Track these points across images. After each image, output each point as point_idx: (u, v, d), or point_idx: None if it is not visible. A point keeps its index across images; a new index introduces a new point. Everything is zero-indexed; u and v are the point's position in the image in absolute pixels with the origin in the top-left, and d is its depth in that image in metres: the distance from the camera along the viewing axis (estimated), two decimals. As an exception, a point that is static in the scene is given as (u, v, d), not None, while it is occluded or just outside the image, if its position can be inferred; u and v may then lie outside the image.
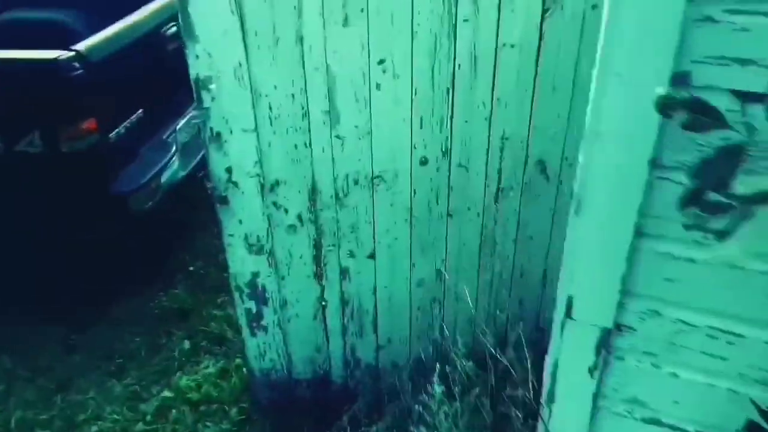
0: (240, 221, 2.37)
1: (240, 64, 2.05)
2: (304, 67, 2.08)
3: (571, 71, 2.12)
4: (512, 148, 2.28)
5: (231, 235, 2.41)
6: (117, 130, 3.18)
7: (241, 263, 2.47)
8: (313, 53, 2.05)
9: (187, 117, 3.76)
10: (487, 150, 2.28)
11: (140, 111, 3.39)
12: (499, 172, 2.33)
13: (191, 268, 3.90)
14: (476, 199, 2.39)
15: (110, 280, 3.58)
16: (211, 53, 2.02)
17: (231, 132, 2.17)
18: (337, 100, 2.14)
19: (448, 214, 2.42)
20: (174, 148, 3.62)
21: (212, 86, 2.07)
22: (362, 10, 1.99)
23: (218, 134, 2.17)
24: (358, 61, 2.08)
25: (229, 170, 2.25)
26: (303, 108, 2.15)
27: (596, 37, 2.09)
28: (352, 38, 2.03)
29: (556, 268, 2.56)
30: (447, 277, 2.55)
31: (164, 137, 3.64)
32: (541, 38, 2.05)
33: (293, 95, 2.13)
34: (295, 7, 1.97)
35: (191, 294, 3.67)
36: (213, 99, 2.10)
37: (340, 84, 2.11)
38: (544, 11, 2.00)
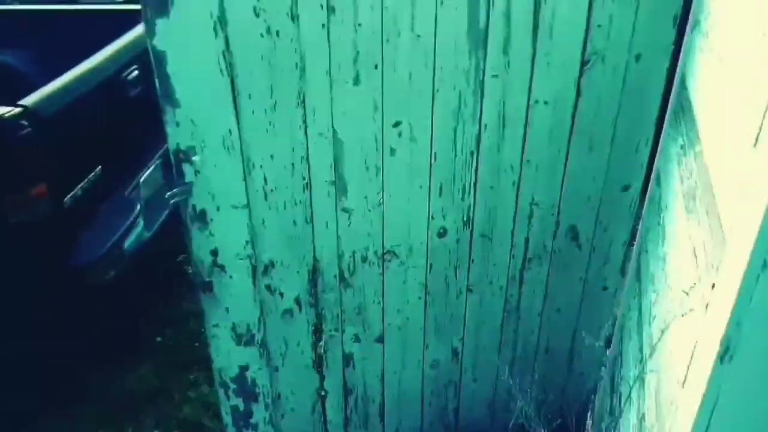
0: (227, 309, 2.00)
1: (230, 132, 1.71)
2: (306, 133, 1.75)
3: (610, 129, 1.87)
4: (542, 214, 2.00)
5: (216, 326, 2.03)
6: (72, 193, 2.76)
7: (227, 356, 2.09)
8: (318, 117, 1.73)
9: (151, 167, 3.36)
10: (514, 217, 2.00)
11: (98, 168, 2.98)
12: (527, 241, 2.05)
13: (159, 339, 3.46)
14: (500, 271, 2.10)
15: (70, 362, 3.11)
16: (195, 120, 1.67)
17: (218, 209, 1.82)
18: (344, 168, 1.82)
19: (468, 289, 2.12)
20: (137, 206, 3.21)
21: (196, 158, 1.72)
22: (376, 67, 1.68)
23: (202, 213, 1.81)
24: (369, 124, 1.77)
25: (214, 253, 1.89)
26: (304, 179, 1.82)
27: (639, 90, 1.88)
28: (363, 98, 1.73)
29: (584, 343, 2.31)
30: (464, 357, 2.24)
31: (126, 194, 3.22)
32: (578, 94, 1.80)
33: (293, 165, 1.80)
34: (297, 64, 1.65)
35: (160, 371, 3.23)
36: (197, 173, 1.74)
37: (348, 150, 1.80)
38: (584, 64, 1.75)
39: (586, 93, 1.80)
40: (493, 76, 1.74)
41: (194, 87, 1.62)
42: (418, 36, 1.66)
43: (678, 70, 1.72)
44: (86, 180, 2.87)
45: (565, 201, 1.99)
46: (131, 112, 3.14)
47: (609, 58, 1.75)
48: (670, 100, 1.77)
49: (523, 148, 1.87)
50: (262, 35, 1.60)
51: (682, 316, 1.14)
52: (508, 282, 2.12)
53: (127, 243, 3.04)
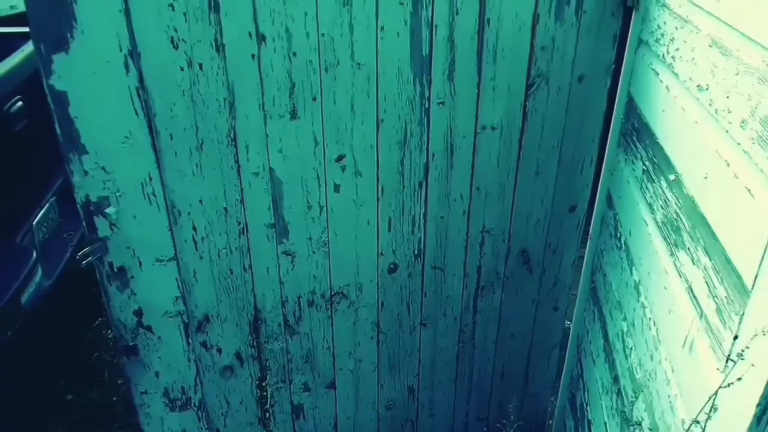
0: (156, 374, 1.77)
1: (150, 178, 1.49)
2: (239, 174, 1.57)
3: (556, 151, 1.83)
4: (493, 241, 1.93)
5: (144, 393, 1.80)
6: (-50, 247, 2.38)
7: (159, 425, 1.86)
8: (252, 155, 1.56)
9: (45, 207, 2.99)
10: (466, 246, 1.91)
11: (-19, 215, 2.60)
12: (479, 269, 1.97)
13: (69, 397, 3.09)
14: (454, 302, 2.01)
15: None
16: (108, 167, 1.45)
17: (140, 265, 1.59)
18: (284, 209, 1.65)
19: (422, 324, 2.01)
20: (34, 253, 2.84)
21: (110, 210, 1.49)
22: (315, 99, 1.53)
23: (122, 270, 1.58)
24: (310, 160, 1.61)
25: (138, 313, 1.66)
26: (240, 223, 1.64)
27: (582, 111, 1.85)
28: (302, 133, 1.57)
29: (539, 363, 2.27)
30: (420, 393, 2.13)
31: (18, 241, 2.84)
32: (524, 118, 1.74)
33: (226, 209, 1.61)
34: (225, 99, 1.47)
35: (75, 437, 2.87)
36: (113, 226, 1.51)
37: (288, 190, 1.63)
38: (529, 87, 1.69)
39: (531, 116, 1.74)
40: (439, 103, 1.64)
41: (104, 130, 1.40)
42: (359, 64, 1.52)
43: (620, 89, 1.70)
44: (-31, 230, 2.50)
45: (515, 226, 1.92)
46: (17, 148, 2.77)
47: (553, 80, 1.70)
48: (614, 120, 1.75)
49: (472, 175, 1.79)
50: (182, 68, 1.41)
51: (686, 361, 1.08)
52: (462, 312, 2.04)
53: (25, 297, 2.67)
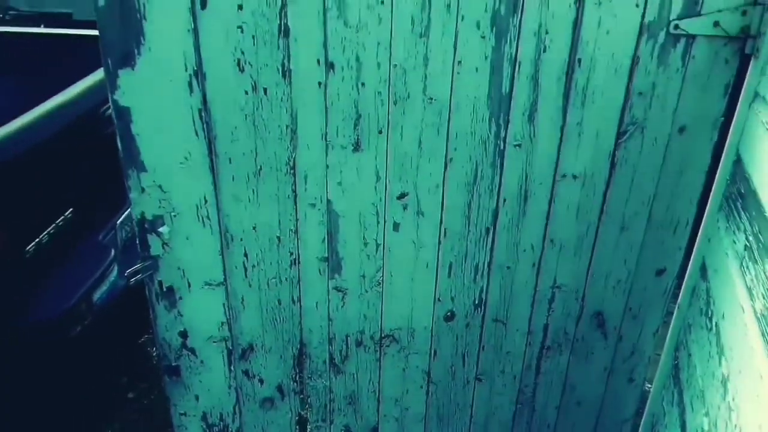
0: (196, 397, 1.73)
1: (205, 200, 1.45)
2: (296, 204, 1.50)
3: (646, 208, 1.63)
4: (564, 298, 1.74)
5: (183, 414, 1.76)
6: (38, 240, 2.49)
7: (196, 448, 1.81)
8: (310, 185, 1.48)
9: (130, 207, 3.09)
10: (533, 302, 1.74)
11: (69, 211, 2.71)
12: (546, 327, 1.79)
13: (131, 395, 3.16)
14: (514, 359, 1.83)
15: (29, 425, 2.80)
16: (165, 186, 1.42)
17: (189, 287, 1.55)
18: (339, 243, 1.57)
19: (477, 378, 1.85)
20: (112, 252, 2.93)
21: (163, 229, 1.46)
22: (380, 132, 1.44)
23: (170, 290, 1.55)
24: (370, 195, 1.52)
25: (183, 335, 1.62)
26: (292, 254, 1.57)
27: (681, 166, 1.65)
28: (364, 166, 1.48)
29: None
30: (470, 452, 1.96)
31: (100, 238, 2.95)
32: (612, 168, 1.55)
33: (279, 238, 1.54)
34: (287, 126, 1.41)
35: (130, 434, 2.92)
36: (165, 245, 1.48)
37: (344, 224, 1.54)
38: (620, 135, 1.51)
39: (620, 167, 1.56)
40: (515, 145, 1.50)
41: (164, 149, 1.37)
42: (431, 99, 1.42)
43: (728, 146, 1.49)
44: (54, 225, 2.60)
45: (591, 285, 1.73)
46: (108, 150, 2.89)
47: (649, 129, 1.51)
48: (717, 180, 1.53)
49: (546, 226, 1.62)
50: (246, 92, 1.36)
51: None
52: (523, 371, 1.86)
53: (98, 294, 2.76)
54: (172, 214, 1.46)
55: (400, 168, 1.50)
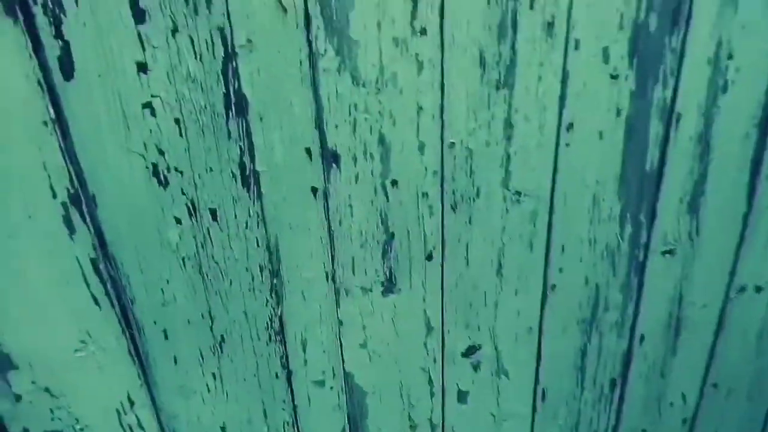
0: None
1: (130, 402, 0.85)
2: (290, 384, 0.90)
3: None
4: (728, 459, 1.10)
5: None
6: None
7: None
8: (312, 354, 0.87)
9: None
10: (679, 469, 1.10)
11: None
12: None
13: None
14: None
15: None
16: (54, 389, 0.81)
17: None
18: (369, 433, 0.94)
19: None
20: None
21: (65, 454, 0.83)
22: (430, 257, 0.83)
23: None
24: (417, 355, 0.91)
25: None
26: (292, 457, 0.94)
27: None
28: (404, 314, 0.87)
29: None
30: None
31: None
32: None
33: (268, 438, 0.91)
34: (263, 267, 0.79)
35: None
36: (72, 477, 0.86)
37: (376, 403, 0.93)
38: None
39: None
40: (664, 252, 0.88)
41: (46, 332, 0.75)
42: (518, 195, 0.80)
43: None
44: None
45: (770, 436, 1.09)
46: None
47: None
48: None
49: (708, 366, 1.00)
50: (178, 221, 0.75)
51: None
52: None
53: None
54: (77, 427, 0.83)
55: (465, 310, 0.87)
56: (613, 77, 0.73)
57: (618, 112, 0.75)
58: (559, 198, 0.81)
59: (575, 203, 0.82)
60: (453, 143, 0.75)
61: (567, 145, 0.77)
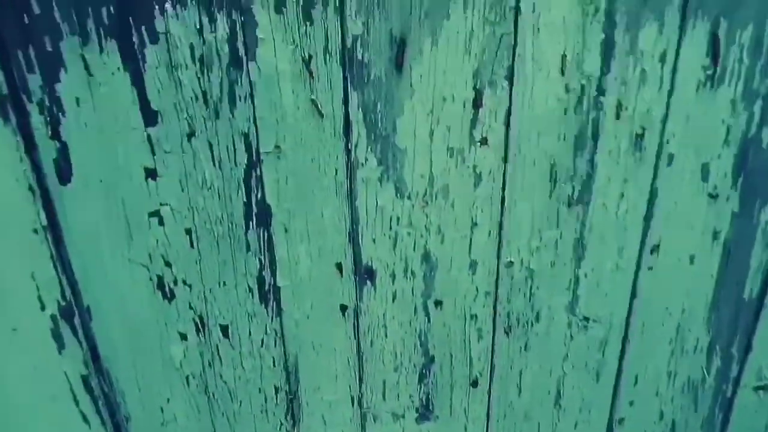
0: None
1: None
2: None
3: None
4: None
5: None
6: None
7: None
8: (332, 488, 0.75)
9: None
10: None
11: None
12: None
13: None
14: None
15: None
16: None
17: None
18: None
19: None
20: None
21: None
22: (475, 383, 0.73)
23: None
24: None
25: None
26: None
27: None
28: (441, 448, 0.74)
29: None
30: None
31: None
32: None
33: None
34: (278, 389, 0.70)
35: None
36: None
37: None
38: None
39: None
40: (758, 388, 0.75)
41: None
42: (586, 321, 0.69)
43: None
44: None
45: None
46: None
47: None
48: None
49: None
50: (183, 337, 0.67)
51: None
52: None
53: None
54: None
55: (515, 446, 0.75)
56: (712, 197, 0.62)
57: (715, 235, 0.64)
58: (636, 326, 0.70)
59: (655, 333, 0.70)
60: (511, 262, 0.64)
61: (649, 268, 0.66)
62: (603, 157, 0.60)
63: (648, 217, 0.64)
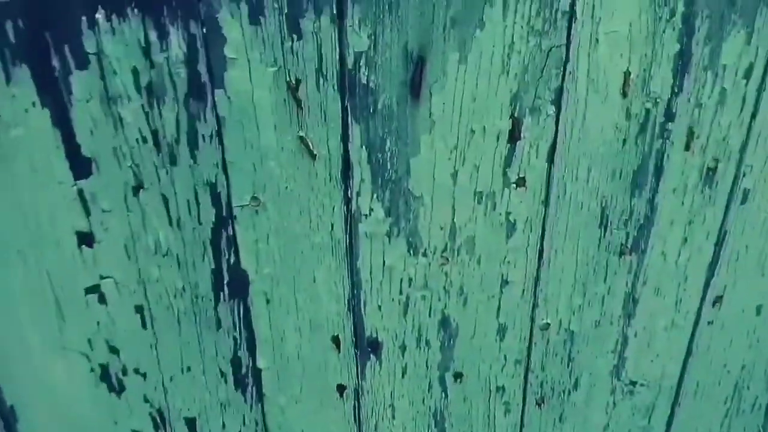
0: None
1: None
2: None
3: None
4: None
5: None
6: None
7: None
8: None
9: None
10: None
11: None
12: None
13: None
14: None
15: None
16: None
17: None
18: None
19: None
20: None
21: None
22: None
23: None
24: None
25: None
26: None
27: None
28: None
29: None
30: None
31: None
32: None
33: None
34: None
35: None
36: None
37: None
38: None
39: None
40: None
41: None
42: None
43: None
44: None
45: None
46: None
47: None
48: None
49: None
50: None
51: None
52: None
53: None
54: None
55: None
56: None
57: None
58: (689, 387, 0.60)
59: (709, 393, 0.61)
60: (547, 324, 0.53)
61: (709, 323, 0.56)
62: (666, 197, 0.50)
63: (713, 264, 0.54)
